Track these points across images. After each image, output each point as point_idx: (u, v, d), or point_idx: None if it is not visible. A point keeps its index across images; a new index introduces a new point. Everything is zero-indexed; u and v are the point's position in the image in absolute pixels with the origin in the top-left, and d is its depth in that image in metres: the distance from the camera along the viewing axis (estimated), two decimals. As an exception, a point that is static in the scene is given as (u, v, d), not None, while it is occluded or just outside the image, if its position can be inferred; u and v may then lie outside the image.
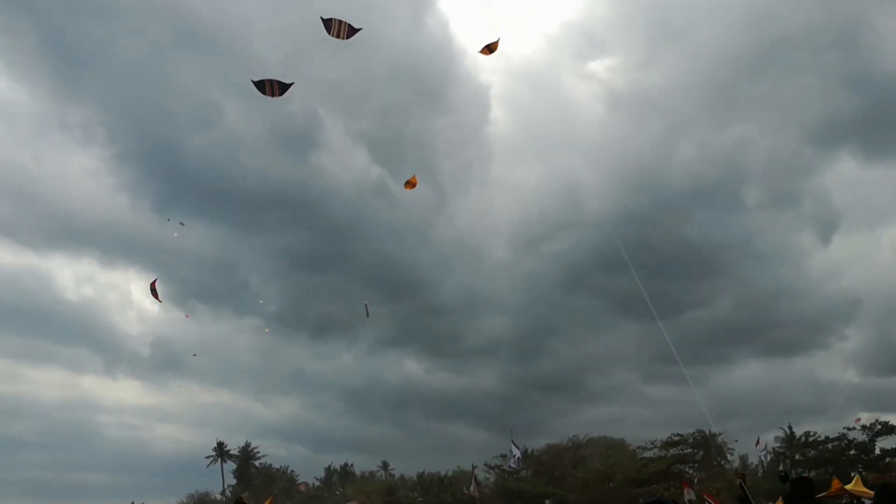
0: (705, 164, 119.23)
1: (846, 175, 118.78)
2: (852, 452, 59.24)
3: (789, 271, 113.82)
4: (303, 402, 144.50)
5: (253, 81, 18.77)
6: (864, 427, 59.25)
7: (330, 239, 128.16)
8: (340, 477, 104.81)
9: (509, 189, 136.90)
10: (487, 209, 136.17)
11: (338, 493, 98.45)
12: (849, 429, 60.04)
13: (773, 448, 66.36)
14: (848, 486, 26.06)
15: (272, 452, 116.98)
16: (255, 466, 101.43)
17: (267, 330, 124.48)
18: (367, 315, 66.04)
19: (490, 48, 22.01)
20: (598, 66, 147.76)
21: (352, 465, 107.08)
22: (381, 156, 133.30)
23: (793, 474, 60.18)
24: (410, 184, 21.25)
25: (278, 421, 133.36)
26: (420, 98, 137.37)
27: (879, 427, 58.55)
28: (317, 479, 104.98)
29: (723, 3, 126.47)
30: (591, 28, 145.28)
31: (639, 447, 74.99)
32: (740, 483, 7.15)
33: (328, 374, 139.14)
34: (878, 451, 58.64)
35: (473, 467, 75.25)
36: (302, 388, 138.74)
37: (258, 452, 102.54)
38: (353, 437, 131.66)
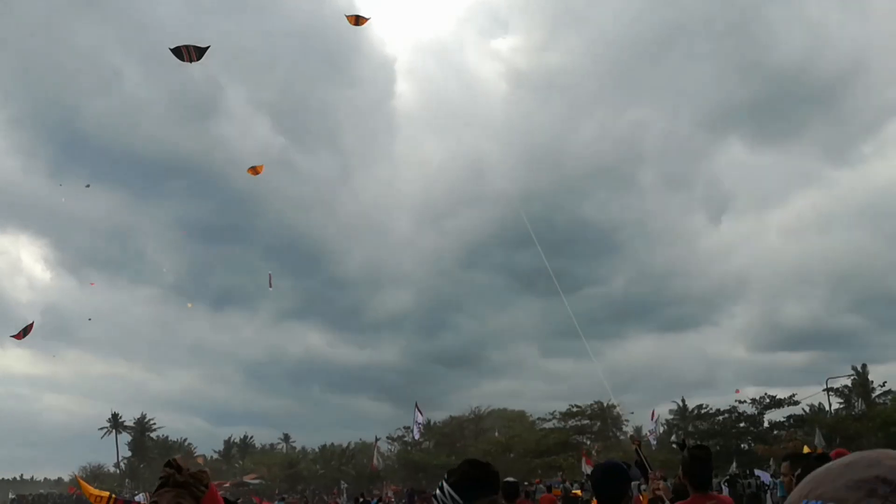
0: (604, 145, 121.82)
1: (736, 159, 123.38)
2: (742, 425, 61.65)
3: (682, 251, 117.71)
4: (201, 374, 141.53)
5: (170, 49, 19.52)
6: (752, 400, 61.79)
7: (231, 209, 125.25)
8: (240, 449, 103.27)
9: (414, 163, 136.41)
10: (392, 183, 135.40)
11: (237, 465, 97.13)
12: (739, 402, 62.56)
13: (667, 420, 68.52)
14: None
15: (169, 425, 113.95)
16: (151, 439, 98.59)
17: (190, 305, 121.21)
18: (271, 286, 64.96)
19: (358, 20, 21.79)
20: (501, 45, 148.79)
21: (252, 437, 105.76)
22: (285, 126, 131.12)
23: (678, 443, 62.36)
24: (255, 171, 20.88)
25: (176, 393, 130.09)
26: (324, 69, 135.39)
27: (767, 401, 61.10)
28: (216, 451, 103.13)
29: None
30: (495, 7, 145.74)
31: (539, 419, 76.46)
32: (636, 448, 6.91)
33: (228, 345, 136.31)
34: (766, 424, 61.20)
35: (377, 439, 75.07)
36: (201, 360, 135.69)
37: (154, 424, 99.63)
38: (253, 410, 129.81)
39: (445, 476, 2.80)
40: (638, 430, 77.24)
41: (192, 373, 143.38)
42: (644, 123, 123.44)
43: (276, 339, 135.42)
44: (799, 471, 5.43)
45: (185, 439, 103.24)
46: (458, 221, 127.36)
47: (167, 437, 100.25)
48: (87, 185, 53.34)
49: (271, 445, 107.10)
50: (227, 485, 75.65)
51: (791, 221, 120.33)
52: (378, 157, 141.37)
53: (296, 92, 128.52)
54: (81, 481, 15.22)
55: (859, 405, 57.31)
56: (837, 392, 58.78)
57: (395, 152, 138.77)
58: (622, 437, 77.51)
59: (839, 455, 5.97)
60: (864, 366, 59.79)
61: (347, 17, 22.07)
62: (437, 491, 2.17)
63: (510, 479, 8.51)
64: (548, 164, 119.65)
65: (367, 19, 22.34)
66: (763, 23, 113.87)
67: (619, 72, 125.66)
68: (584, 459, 44.70)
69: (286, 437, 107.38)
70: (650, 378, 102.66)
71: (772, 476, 35.12)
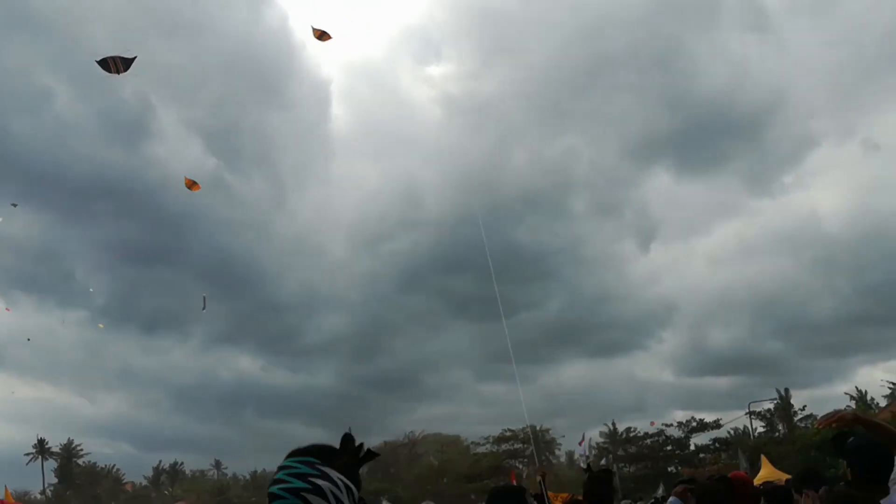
0: (535, 171, 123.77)
1: (662, 188, 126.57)
2: (669, 448, 62.88)
3: (612, 277, 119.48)
4: (130, 399, 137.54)
5: (97, 61, 19.12)
6: (679, 424, 63.18)
7: (162, 231, 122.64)
8: (170, 476, 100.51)
9: (350, 187, 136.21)
10: (327, 207, 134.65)
11: (166, 492, 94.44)
12: (667, 425, 63.83)
13: (598, 443, 69.40)
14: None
15: (97, 450, 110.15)
16: (78, 465, 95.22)
17: (102, 325, 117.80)
18: (204, 307, 63.96)
19: (322, 36, 21.49)
20: (435, 71, 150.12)
21: (182, 463, 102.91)
22: (217, 147, 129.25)
23: (613, 468, 63.48)
24: (192, 184, 20.69)
25: (103, 418, 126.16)
26: (258, 90, 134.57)
27: (694, 424, 62.51)
28: (145, 478, 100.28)
29: (555, 19, 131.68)
30: (429, 33, 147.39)
31: (473, 443, 76.64)
32: (540, 481, 7.10)
33: (158, 370, 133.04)
34: (692, 447, 62.52)
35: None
36: (129, 385, 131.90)
37: (82, 450, 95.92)
38: (183, 436, 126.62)
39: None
40: (570, 453, 78.43)
41: (120, 397, 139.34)
42: (574, 151, 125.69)
43: (207, 364, 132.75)
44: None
45: (114, 465, 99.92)
46: (394, 245, 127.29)
47: (95, 463, 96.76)
48: (14, 205, 51.79)
49: (201, 472, 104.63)
50: (155, 512, 73.91)
51: (715, 249, 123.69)
52: (313, 180, 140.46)
53: (229, 113, 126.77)
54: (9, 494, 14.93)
55: (782, 429, 59.00)
56: (760, 416, 60.46)
57: (331, 175, 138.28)
58: (554, 461, 78.37)
59: (738, 479, 6.33)
60: (786, 390, 61.74)
61: (314, 29, 21.62)
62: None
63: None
64: (481, 189, 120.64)
65: (330, 36, 22.02)
66: (687, 56, 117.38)
67: (549, 101, 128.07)
68: (513, 480, 44.99)
69: (217, 464, 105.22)
70: (583, 402, 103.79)
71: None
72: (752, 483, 7.01)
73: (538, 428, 75.54)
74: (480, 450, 73.48)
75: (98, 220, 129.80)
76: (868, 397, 61.47)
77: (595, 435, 70.18)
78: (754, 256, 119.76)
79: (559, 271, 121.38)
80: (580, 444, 58.89)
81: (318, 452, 2.02)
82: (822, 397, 77.42)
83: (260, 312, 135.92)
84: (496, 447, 71.70)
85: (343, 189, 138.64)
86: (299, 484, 1.94)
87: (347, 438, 2.06)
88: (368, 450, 2.08)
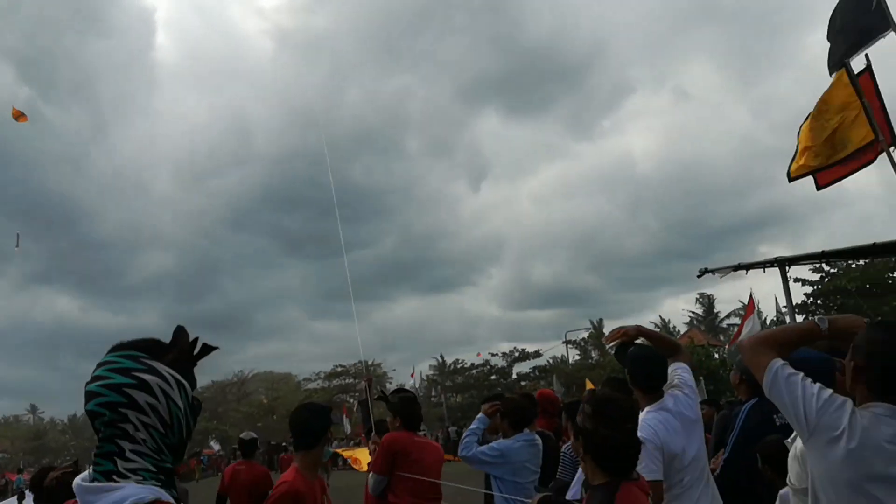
0: (370, 110, 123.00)
1: (493, 130, 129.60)
2: (493, 377, 65.26)
3: (444, 215, 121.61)
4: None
5: None
6: (503, 354, 65.71)
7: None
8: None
9: (175, 120, 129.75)
10: (151, 141, 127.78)
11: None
12: (492, 355, 66.17)
13: (428, 376, 71.09)
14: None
15: None
16: None
17: None
18: (18, 245, 59.28)
19: (20, 117, 18.38)
20: (266, 3, 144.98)
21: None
22: (31, 75, 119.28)
23: (442, 398, 65.37)
24: (19, 115, 18.21)
25: None
26: (76, 15, 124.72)
27: (517, 354, 65.19)
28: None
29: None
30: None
31: (304, 379, 76.46)
32: (366, 387, 6.98)
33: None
34: (514, 376, 65.27)
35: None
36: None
37: None
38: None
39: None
40: (401, 386, 79.97)
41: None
42: (408, 91, 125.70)
43: (21, 304, 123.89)
44: None
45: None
46: (224, 182, 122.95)
47: None
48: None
49: (15, 417, 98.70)
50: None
51: (540, 189, 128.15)
52: (136, 113, 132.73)
53: (44, 39, 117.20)
54: None
55: (595, 355, 62.52)
56: (576, 345, 64.00)
57: (155, 108, 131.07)
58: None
59: (542, 395, 6.37)
60: (600, 320, 65.28)
61: (14, 109, 18.43)
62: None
63: (249, 434, 8.24)
64: (314, 124, 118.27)
65: (26, 118, 18.83)
66: (516, 2, 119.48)
67: (383, 39, 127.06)
68: (344, 416, 45.19)
69: (33, 408, 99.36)
70: (414, 337, 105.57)
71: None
72: (557, 399, 7.20)
73: (370, 363, 76.34)
74: (312, 386, 73.40)
75: None
76: (671, 325, 66.29)
77: (425, 368, 71.77)
78: (575, 196, 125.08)
79: (394, 209, 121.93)
80: (411, 376, 60.34)
81: (144, 346, 1.71)
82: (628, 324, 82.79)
83: (79, 251, 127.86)
84: (328, 383, 71.80)
85: (168, 122, 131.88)
86: (121, 379, 1.63)
87: (179, 331, 1.77)
88: (205, 344, 1.78)
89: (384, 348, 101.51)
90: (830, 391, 2.46)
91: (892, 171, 6.59)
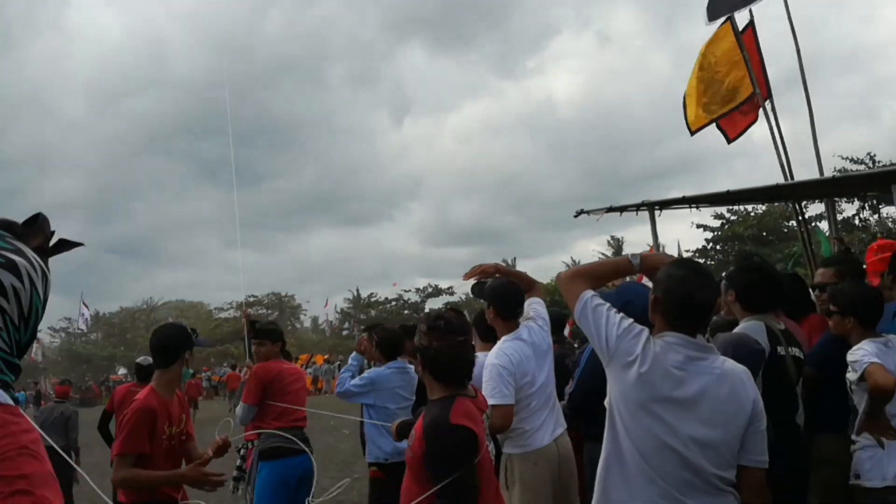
0: (291, 37, 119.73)
1: (418, 64, 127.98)
2: (406, 312, 66.01)
3: (365, 149, 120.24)
4: None
5: None
6: (417, 290, 66.36)
7: None
8: None
9: (88, 38, 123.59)
10: (61, 58, 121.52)
11: None
12: (405, 290, 66.74)
13: (342, 309, 71.31)
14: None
15: None
16: None
17: None
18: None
19: None
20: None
21: None
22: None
23: (355, 331, 65.91)
24: None
25: None
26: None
27: (430, 290, 65.92)
28: None
29: None
30: None
31: (216, 308, 75.70)
32: (244, 321, 7.00)
33: None
34: (427, 311, 66.28)
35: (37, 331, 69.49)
36: None
37: None
38: None
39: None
40: (315, 319, 79.98)
41: None
42: (332, 20, 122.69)
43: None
44: None
45: None
46: (137, 103, 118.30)
47: None
48: None
49: None
50: None
51: (463, 127, 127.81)
52: (45, 28, 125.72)
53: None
54: None
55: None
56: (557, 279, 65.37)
57: (66, 24, 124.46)
58: (299, 327, 79.51)
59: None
60: (514, 259, 66.39)
61: None
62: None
63: (147, 359, 8.17)
64: (233, 50, 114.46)
65: None
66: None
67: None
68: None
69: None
70: (330, 270, 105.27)
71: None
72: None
73: (283, 294, 75.95)
74: (224, 315, 72.76)
75: None
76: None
77: (340, 301, 71.90)
78: (497, 136, 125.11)
79: (313, 140, 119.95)
80: (325, 308, 60.36)
81: (7, 225, 1.47)
82: (544, 266, 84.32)
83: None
84: (239, 313, 71.32)
85: (79, 40, 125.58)
86: None
87: (42, 219, 1.54)
88: (64, 239, 1.56)
89: (299, 280, 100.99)
90: (631, 321, 2.64)
91: (766, 123, 6.93)
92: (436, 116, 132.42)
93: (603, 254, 70.29)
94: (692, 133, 7.96)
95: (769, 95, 7.28)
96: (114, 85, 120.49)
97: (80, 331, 68.02)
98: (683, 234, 73.20)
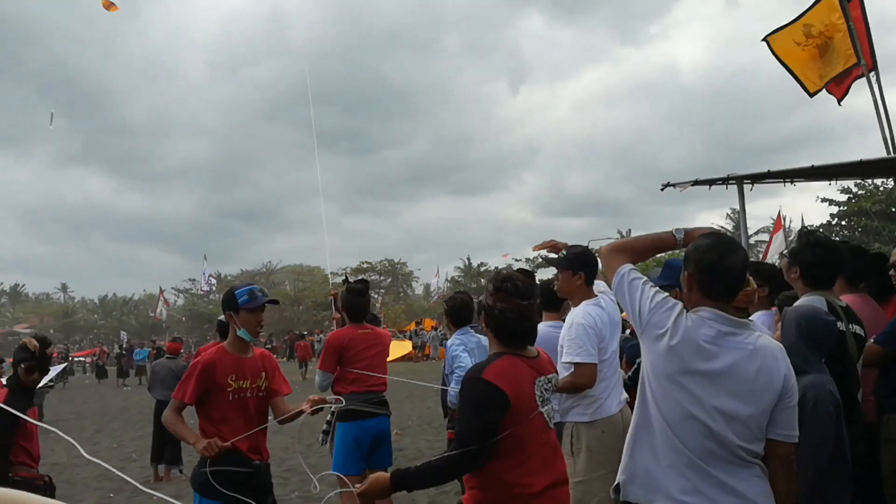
0: (406, 5, 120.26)
1: (535, 31, 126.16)
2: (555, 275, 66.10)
3: (479, 117, 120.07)
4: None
5: None
6: (527, 260, 66.12)
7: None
8: (11, 298, 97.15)
9: (210, 6, 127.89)
10: (184, 25, 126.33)
11: (7, 314, 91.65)
12: (516, 260, 66.69)
13: (453, 277, 71.99)
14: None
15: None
16: None
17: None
18: (52, 123, 60.27)
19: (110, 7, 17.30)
20: None
21: (23, 286, 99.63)
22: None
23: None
24: (110, 7, 17.25)
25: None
26: None
27: (541, 260, 65.57)
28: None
29: None
30: None
31: (331, 273, 77.77)
32: (331, 299, 7.25)
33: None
34: (537, 282, 65.91)
35: (161, 290, 73.48)
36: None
37: None
38: (26, 258, 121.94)
39: None
40: (426, 287, 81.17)
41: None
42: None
43: (52, 184, 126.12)
44: None
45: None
46: (258, 72, 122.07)
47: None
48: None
49: (46, 295, 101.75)
50: (-5, 333, 71.66)
51: (581, 95, 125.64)
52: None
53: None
54: None
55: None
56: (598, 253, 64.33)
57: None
58: (410, 294, 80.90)
59: None
60: (629, 231, 65.30)
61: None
62: None
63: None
64: (349, 18, 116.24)
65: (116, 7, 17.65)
66: None
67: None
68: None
69: (63, 287, 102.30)
70: (443, 238, 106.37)
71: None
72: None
73: (396, 261, 77.37)
74: (337, 280, 74.74)
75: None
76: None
77: (451, 269, 72.68)
78: (616, 104, 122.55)
79: (426, 109, 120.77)
80: (436, 276, 61.16)
81: None
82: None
83: (109, 133, 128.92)
84: (354, 278, 72.99)
85: (203, 7, 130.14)
86: None
87: None
88: None
89: (412, 248, 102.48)
90: (665, 295, 2.68)
91: (870, 95, 6.61)
92: (553, 84, 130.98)
93: (722, 227, 68.32)
94: (811, 95, 7.70)
95: (874, 67, 6.96)
96: (235, 52, 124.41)
97: (202, 292, 71.48)
98: (809, 209, 69.93)
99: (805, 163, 7.12)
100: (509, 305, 2.93)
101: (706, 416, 2.51)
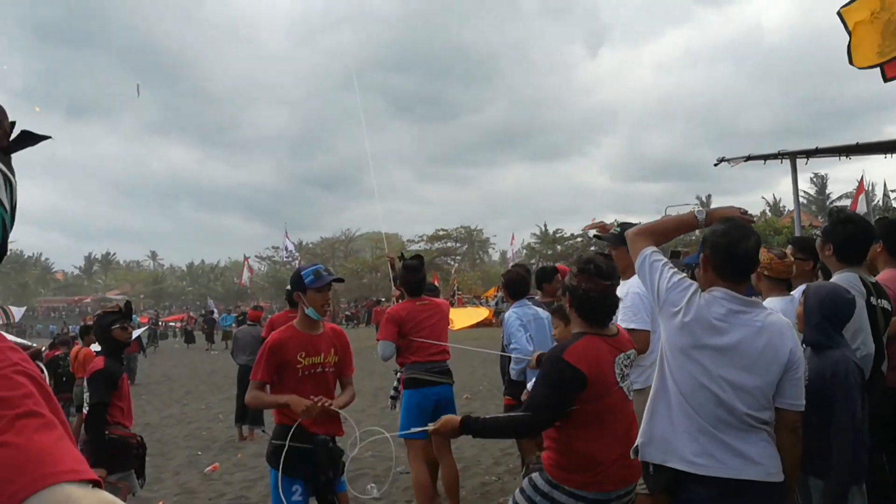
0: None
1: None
2: (592, 248, 65.62)
3: (559, 81, 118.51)
4: (57, 188, 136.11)
5: None
6: (615, 221, 65.49)
7: (82, 8, 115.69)
8: (102, 266, 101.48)
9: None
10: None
11: (100, 281, 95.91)
12: (595, 222, 66.16)
13: (529, 244, 71.91)
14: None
15: (23, 239, 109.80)
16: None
17: (38, 109, 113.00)
18: (138, 94, 62.74)
19: None
20: None
21: (115, 254, 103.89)
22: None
23: (537, 265, 66.25)
24: None
25: (27, 206, 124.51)
26: None
27: (617, 226, 64.96)
28: (76, 267, 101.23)
29: None
30: None
31: (408, 240, 78.73)
32: (391, 263, 7.53)
33: (86, 159, 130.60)
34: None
35: (245, 258, 75.67)
36: (55, 173, 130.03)
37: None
38: (116, 226, 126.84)
39: None
40: (503, 253, 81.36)
41: (46, 186, 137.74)
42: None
43: (139, 154, 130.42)
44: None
45: (41, 254, 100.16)
46: (336, 39, 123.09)
47: (21, 251, 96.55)
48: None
49: (136, 262, 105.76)
50: (89, 299, 75.13)
51: (662, 56, 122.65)
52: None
53: None
54: None
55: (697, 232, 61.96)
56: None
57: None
58: (487, 260, 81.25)
59: (560, 269, 6.93)
60: (708, 196, 64.07)
61: None
62: None
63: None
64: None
65: None
66: None
67: None
68: (435, 280, 46.72)
69: (153, 255, 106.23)
70: (520, 204, 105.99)
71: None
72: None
73: (472, 228, 77.73)
74: (414, 248, 75.52)
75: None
76: (781, 204, 64.28)
77: (527, 236, 72.59)
78: (697, 65, 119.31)
79: (504, 73, 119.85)
80: (511, 243, 61.27)
81: None
82: (743, 203, 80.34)
83: (192, 102, 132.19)
84: (430, 246, 73.72)
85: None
86: None
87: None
88: (27, 131, 1.28)
89: (488, 214, 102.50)
90: (682, 275, 2.94)
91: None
92: (633, 46, 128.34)
93: (805, 192, 66.25)
94: (858, 67, 7.57)
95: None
96: (313, 19, 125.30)
97: (284, 259, 73.38)
98: (893, 173, 67.01)
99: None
100: (593, 286, 3.16)
101: (716, 387, 2.78)
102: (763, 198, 66.79)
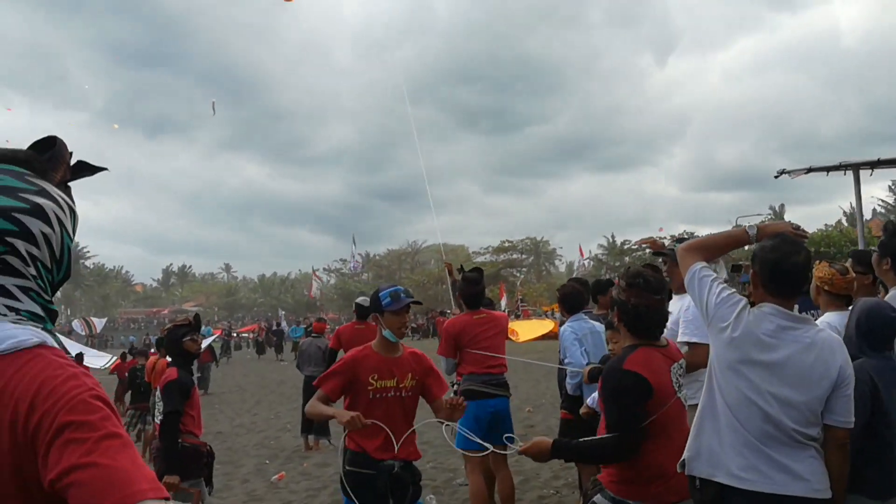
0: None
1: (683, 1, 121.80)
2: (661, 260, 64.76)
3: (626, 90, 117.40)
4: (137, 203, 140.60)
5: None
6: (672, 237, 64.68)
7: (160, 31, 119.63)
8: (179, 278, 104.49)
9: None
10: (333, 9, 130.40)
11: (176, 293, 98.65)
12: (661, 237, 65.31)
13: (597, 255, 71.35)
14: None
15: (104, 253, 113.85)
16: (85, 266, 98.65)
17: (116, 126, 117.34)
18: (214, 113, 64.53)
19: None
20: None
21: (191, 266, 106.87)
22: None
23: (606, 276, 65.42)
24: None
25: (109, 222, 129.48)
26: None
27: (686, 237, 63.86)
28: (154, 280, 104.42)
29: None
30: None
31: (474, 252, 78.88)
32: (448, 269, 7.64)
33: (164, 175, 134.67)
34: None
35: (314, 270, 76.95)
36: (135, 189, 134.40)
37: (88, 252, 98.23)
38: (192, 240, 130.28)
39: None
40: (570, 265, 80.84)
41: (126, 201, 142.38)
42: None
43: (214, 170, 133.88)
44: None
45: (122, 267, 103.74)
46: (402, 53, 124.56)
47: (103, 264, 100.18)
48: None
49: (211, 275, 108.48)
50: (166, 311, 77.32)
51: (732, 64, 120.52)
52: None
53: None
54: None
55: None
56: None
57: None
58: (553, 271, 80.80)
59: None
60: (781, 205, 62.52)
61: None
62: None
63: (365, 299, 9.11)
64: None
65: None
66: None
67: None
68: (501, 293, 46.67)
69: (227, 267, 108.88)
70: (588, 215, 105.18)
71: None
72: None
73: (539, 239, 77.45)
74: (480, 259, 75.63)
75: (92, 15, 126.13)
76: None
77: (594, 247, 71.99)
78: (769, 72, 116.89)
79: (571, 84, 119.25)
80: (580, 254, 60.78)
81: (26, 160, 1.33)
82: (818, 213, 78.32)
83: (264, 119, 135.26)
84: (495, 257, 73.74)
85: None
86: (9, 202, 1.26)
87: (60, 143, 1.40)
88: (83, 162, 1.42)
89: (556, 225, 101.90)
90: (731, 291, 2.96)
91: None
92: (703, 54, 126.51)
93: (883, 201, 64.08)
94: None
95: None
96: (379, 34, 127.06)
97: (351, 271, 74.26)
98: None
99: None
100: (642, 300, 3.19)
101: (763, 402, 2.80)
102: (840, 207, 64.66)
